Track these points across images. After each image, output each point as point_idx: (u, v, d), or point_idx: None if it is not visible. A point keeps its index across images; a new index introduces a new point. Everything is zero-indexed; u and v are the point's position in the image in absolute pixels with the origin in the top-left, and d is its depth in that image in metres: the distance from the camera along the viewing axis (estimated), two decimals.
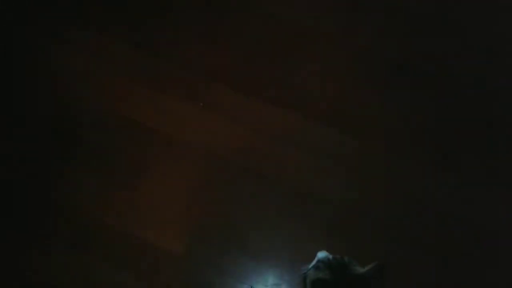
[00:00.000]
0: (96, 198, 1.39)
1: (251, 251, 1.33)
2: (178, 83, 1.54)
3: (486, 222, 1.39)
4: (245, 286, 1.30)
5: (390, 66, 1.60)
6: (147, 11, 1.63)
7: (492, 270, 1.34)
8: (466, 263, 1.34)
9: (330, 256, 1.03)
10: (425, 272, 1.32)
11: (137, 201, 1.39)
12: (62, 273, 1.31)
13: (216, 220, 1.37)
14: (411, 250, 1.34)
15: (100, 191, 1.40)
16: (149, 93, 1.52)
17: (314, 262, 1.03)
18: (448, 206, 1.40)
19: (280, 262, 1.32)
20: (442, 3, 1.67)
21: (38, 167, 1.44)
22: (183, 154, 1.45)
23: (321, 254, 1.04)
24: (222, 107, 1.51)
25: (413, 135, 1.50)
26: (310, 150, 1.46)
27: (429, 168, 1.45)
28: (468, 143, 1.49)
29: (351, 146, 1.47)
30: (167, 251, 1.33)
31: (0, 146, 1.46)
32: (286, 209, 1.39)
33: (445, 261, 1.34)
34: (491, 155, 1.48)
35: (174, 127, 1.48)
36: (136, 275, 1.31)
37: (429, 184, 1.43)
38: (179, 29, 1.61)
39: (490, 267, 1.34)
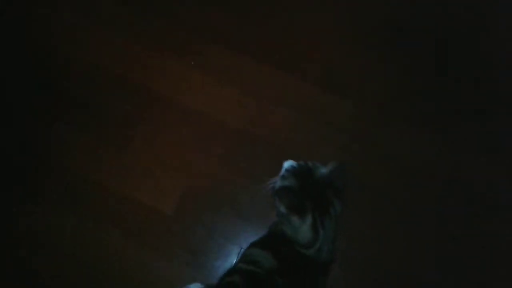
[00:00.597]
0: (85, 157, 1.38)
1: (242, 212, 1.31)
2: (171, 42, 1.51)
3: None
4: (236, 247, 1.30)
5: (390, 28, 1.56)
6: None
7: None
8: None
9: (295, 164, 1.07)
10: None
11: (128, 160, 1.37)
12: (49, 232, 1.30)
13: (208, 180, 1.35)
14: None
15: (89, 150, 1.38)
16: (142, 51, 1.49)
17: (281, 173, 1.07)
18: (441, 169, 1.40)
19: (269, 224, 1.32)
20: None
21: (26, 125, 1.42)
22: (175, 114, 1.42)
23: (287, 164, 1.08)
24: (215, 67, 1.48)
25: (408, 97, 1.49)
26: (304, 112, 1.44)
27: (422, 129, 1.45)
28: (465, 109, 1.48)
29: (347, 109, 1.45)
30: (158, 210, 1.32)
31: None
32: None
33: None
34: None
35: (167, 86, 1.46)
36: (125, 234, 1.29)
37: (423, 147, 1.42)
38: None
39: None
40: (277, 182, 1.06)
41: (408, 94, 1.49)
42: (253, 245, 1.08)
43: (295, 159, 1.09)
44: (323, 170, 1.06)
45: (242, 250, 1.28)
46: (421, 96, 1.49)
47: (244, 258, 1.06)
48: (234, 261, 1.28)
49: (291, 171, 1.06)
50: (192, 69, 1.47)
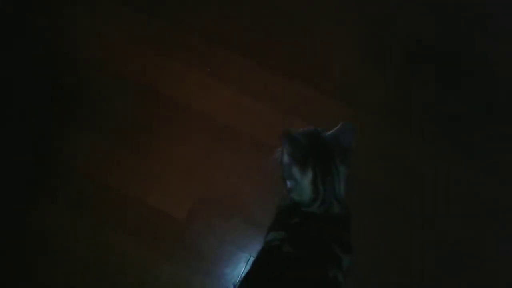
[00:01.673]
0: (97, 161, 1.38)
1: (253, 219, 1.32)
2: (185, 48, 1.51)
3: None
4: (246, 254, 1.30)
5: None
6: None
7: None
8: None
9: (303, 130, 1.09)
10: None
11: (140, 165, 1.38)
12: (61, 235, 1.31)
13: (219, 187, 1.36)
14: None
15: (101, 154, 1.39)
16: (155, 57, 1.50)
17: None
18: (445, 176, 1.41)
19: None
20: None
21: (38, 128, 1.43)
22: (187, 119, 1.43)
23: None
24: (229, 74, 1.49)
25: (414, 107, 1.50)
26: (315, 122, 1.43)
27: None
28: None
29: (352, 117, 1.44)
30: (168, 216, 1.32)
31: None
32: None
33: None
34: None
35: (180, 91, 1.46)
36: (136, 240, 1.30)
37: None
38: None
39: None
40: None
41: (417, 105, 1.50)
42: (268, 230, 1.09)
43: None
44: (330, 132, 1.08)
45: (252, 258, 1.29)
46: (431, 108, 1.50)
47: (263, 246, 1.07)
48: (243, 269, 1.29)
49: (300, 132, 1.07)
50: (207, 76, 1.47)
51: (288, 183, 1.06)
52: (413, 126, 1.47)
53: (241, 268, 1.29)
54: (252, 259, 1.29)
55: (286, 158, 1.04)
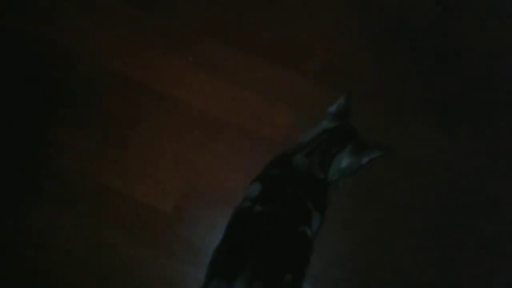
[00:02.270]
0: (84, 156, 1.37)
1: None
2: (167, 38, 1.50)
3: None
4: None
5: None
6: None
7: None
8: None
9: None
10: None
11: (126, 158, 1.37)
12: (48, 230, 1.29)
13: (206, 177, 1.35)
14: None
15: (87, 148, 1.38)
16: (138, 48, 1.49)
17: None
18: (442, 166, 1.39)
19: None
20: None
21: (25, 124, 1.41)
22: (172, 110, 1.42)
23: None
24: (214, 63, 1.47)
25: (407, 93, 1.48)
26: (303, 109, 1.43)
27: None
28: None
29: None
30: (157, 209, 1.31)
31: None
32: None
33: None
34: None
35: (164, 82, 1.45)
36: (125, 233, 1.29)
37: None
38: None
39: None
40: None
41: (409, 90, 1.49)
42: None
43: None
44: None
45: None
46: (423, 93, 1.48)
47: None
48: None
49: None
50: (192, 67, 1.46)
51: None
52: (403, 109, 1.46)
53: None
54: None
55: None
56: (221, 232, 1.26)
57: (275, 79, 1.46)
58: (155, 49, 1.48)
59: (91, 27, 1.52)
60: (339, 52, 1.52)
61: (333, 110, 1.16)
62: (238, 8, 1.55)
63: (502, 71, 1.53)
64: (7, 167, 1.36)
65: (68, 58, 1.48)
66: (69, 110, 1.42)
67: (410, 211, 1.34)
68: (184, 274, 1.26)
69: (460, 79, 1.50)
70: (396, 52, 1.53)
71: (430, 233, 1.33)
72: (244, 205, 1.04)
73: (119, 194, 1.32)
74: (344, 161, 1.09)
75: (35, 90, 1.45)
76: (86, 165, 1.36)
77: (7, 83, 1.44)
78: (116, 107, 1.42)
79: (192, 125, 1.40)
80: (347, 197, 1.30)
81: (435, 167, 1.39)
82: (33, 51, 1.49)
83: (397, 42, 1.54)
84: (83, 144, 1.38)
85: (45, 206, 1.31)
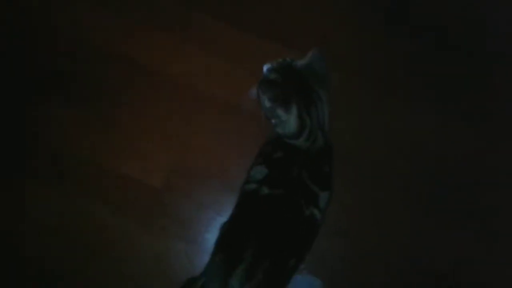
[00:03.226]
0: (71, 132, 1.35)
1: (232, 183, 1.27)
2: (156, 11, 1.45)
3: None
4: (226, 219, 1.28)
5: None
6: None
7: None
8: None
9: (274, 63, 1.08)
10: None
11: (115, 135, 1.34)
12: (36, 207, 1.28)
13: (196, 152, 1.33)
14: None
15: (75, 125, 1.35)
16: (126, 23, 1.44)
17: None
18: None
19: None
20: None
21: (10, 101, 1.37)
22: (160, 85, 1.39)
23: (266, 66, 1.09)
24: (204, 37, 1.43)
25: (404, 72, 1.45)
26: None
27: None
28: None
29: (337, 81, 1.40)
30: (146, 185, 1.30)
31: None
32: None
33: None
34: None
35: (152, 57, 1.41)
36: (113, 209, 1.28)
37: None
38: None
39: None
40: (260, 83, 1.06)
41: (404, 70, 1.46)
42: (252, 166, 1.09)
43: None
44: (303, 62, 1.06)
45: None
46: (421, 73, 1.46)
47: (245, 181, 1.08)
48: None
49: (271, 69, 1.06)
50: (179, 41, 1.42)
51: (273, 121, 1.05)
52: (392, 88, 1.43)
53: None
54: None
55: (267, 103, 1.03)
56: (211, 209, 1.28)
57: (268, 56, 1.41)
58: (144, 23, 1.44)
59: (78, 2, 1.46)
60: (331, 28, 1.48)
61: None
62: None
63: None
64: None
65: (54, 34, 1.43)
66: (55, 86, 1.39)
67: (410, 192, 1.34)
68: (174, 250, 1.26)
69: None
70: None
71: (430, 214, 1.33)
72: (250, 187, 1.02)
73: (107, 169, 1.31)
74: (324, 99, 1.06)
75: (21, 66, 1.41)
76: (73, 141, 1.34)
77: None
78: (103, 82, 1.39)
79: (181, 100, 1.38)
80: (347, 181, 1.29)
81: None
82: (19, 25, 1.44)
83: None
84: (69, 120, 1.35)
85: (30, 182, 1.30)
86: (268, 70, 1.07)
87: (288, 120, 1.02)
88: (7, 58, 1.41)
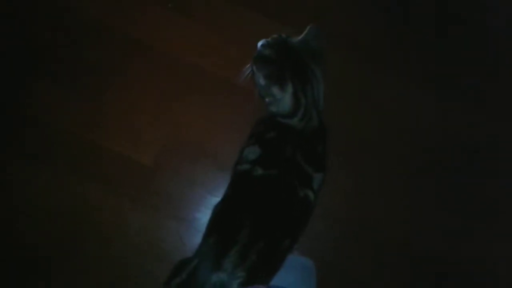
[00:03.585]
0: (60, 109, 1.31)
1: (223, 162, 1.27)
2: None
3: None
4: (217, 198, 1.26)
5: None
6: None
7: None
8: None
9: (269, 39, 1.06)
10: None
11: (104, 110, 1.31)
12: (23, 186, 1.26)
13: (187, 130, 1.30)
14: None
15: (64, 101, 1.32)
16: None
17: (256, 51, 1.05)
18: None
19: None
20: None
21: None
22: (152, 61, 1.35)
23: (260, 42, 1.06)
24: (193, 9, 1.39)
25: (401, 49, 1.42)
26: None
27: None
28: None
29: (336, 59, 1.36)
30: (137, 162, 1.27)
31: None
32: None
33: None
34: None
35: (142, 30, 1.37)
36: (103, 187, 1.25)
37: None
38: None
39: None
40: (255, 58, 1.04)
41: (403, 47, 1.42)
42: (244, 146, 1.07)
43: None
44: (298, 38, 1.04)
45: None
46: (416, 51, 1.42)
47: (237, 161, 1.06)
48: None
49: (266, 45, 1.04)
50: (171, 15, 1.37)
51: (267, 100, 1.03)
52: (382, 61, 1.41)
53: None
54: None
55: (261, 80, 1.00)
56: (202, 187, 1.26)
57: (258, 28, 1.38)
58: None
59: None
60: (327, 3, 1.44)
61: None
62: None
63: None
64: None
65: (44, 7, 1.38)
66: (45, 61, 1.34)
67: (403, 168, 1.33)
68: (166, 228, 1.25)
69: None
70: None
71: (424, 191, 1.32)
72: (243, 167, 1.01)
73: (97, 147, 1.28)
74: (319, 77, 1.04)
75: (11, 40, 1.36)
76: (62, 117, 1.30)
77: None
78: (92, 58, 1.34)
79: (172, 75, 1.34)
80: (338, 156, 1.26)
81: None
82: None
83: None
84: (58, 97, 1.32)
85: (19, 160, 1.27)
86: (263, 45, 1.04)
87: (283, 99, 0.99)
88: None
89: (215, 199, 1.25)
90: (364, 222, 1.28)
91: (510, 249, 1.28)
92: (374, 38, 1.41)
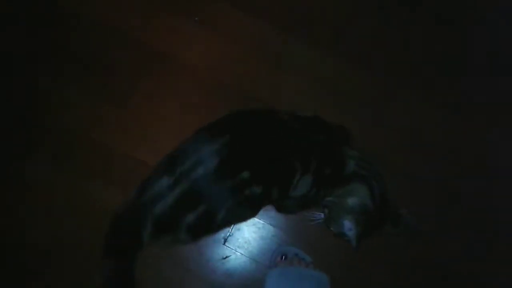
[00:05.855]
0: (83, 113, 1.34)
1: None
2: None
3: None
4: None
5: None
6: None
7: None
8: None
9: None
10: None
11: (127, 118, 1.34)
12: (40, 185, 1.28)
13: None
14: None
15: (88, 106, 1.35)
16: (143, 5, 1.43)
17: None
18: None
19: None
20: None
21: (25, 80, 1.36)
22: (174, 71, 1.39)
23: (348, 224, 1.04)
24: (218, 24, 1.43)
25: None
26: (306, 74, 1.43)
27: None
28: None
29: (334, 65, 1.44)
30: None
31: None
32: None
33: None
34: None
35: (168, 42, 1.40)
36: (124, 193, 1.26)
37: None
38: None
39: None
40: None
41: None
42: None
43: None
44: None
45: None
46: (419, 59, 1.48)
47: None
48: (230, 230, 1.29)
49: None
50: (195, 26, 1.42)
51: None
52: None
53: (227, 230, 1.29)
54: None
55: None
56: None
57: (288, 50, 1.42)
58: (160, 7, 1.42)
59: None
60: (330, 13, 1.50)
61: None
62: None
63: None
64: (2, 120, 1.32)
65: (70, 14, 1.42)
66: (70, 68, 1.37)
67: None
68: None
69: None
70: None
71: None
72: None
73: (118, 153, 1.31)
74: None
75: (35, 45, 1.39)
76: (84, 122, 1.33)
77: (7, 37, 1.38)
78: (118, 65, 1.38)
79: (195, 87, 1.37)
80: None
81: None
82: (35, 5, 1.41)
83: None
84: (82, 102, 1.34)
85: (40, 163, 1.29)
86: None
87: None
88: (22, 38, 1.39)
89: None
90: (375, 240, 1.31)
91: None
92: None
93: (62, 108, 1.33)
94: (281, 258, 1.22)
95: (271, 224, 1.29)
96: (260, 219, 1.29)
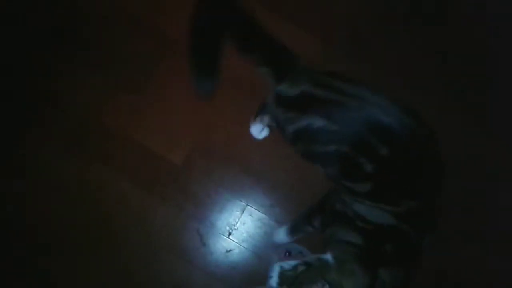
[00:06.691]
0: (98, 102, 1.35)
1: (251, 168, 1.31)
2: None
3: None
4: (241, 202, 1.30)
5: None
6: None
7: None
8: None
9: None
10: None
11: (140, 108, 1.34)
12: (55, 174, 1.29)
13: (218, 134, 1.34)
14: None
15: (103, 95, 1.35)
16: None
17: None
18: None
19: (279, 184, 1.31)
20: None
21: (42, 68, 1.37)
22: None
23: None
24: None
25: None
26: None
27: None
28: None
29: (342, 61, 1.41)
30: (166, 160, 1.31)
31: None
32: None
33: None
34: None
35: (185, 31, 1.40)
36: (133, 181, 1.29)
37: None
38: None
39: None
40: None
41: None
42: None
43: None
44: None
45: (248, 207, 1.29)
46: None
47: None
48: (239, 217, 1.29)
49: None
50: None
51: None
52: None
53: (236, 216, 1.29)
54: (248, 207, 1.29)
55: None
56: (228, 190, 1.29)
57: (300, 43, 1.41)
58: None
59: None
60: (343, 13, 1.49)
61: None
62: None
63: None
64: (19, 108, 1.34)
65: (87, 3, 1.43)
66: (84, 53, 1.38)
67: None
68: (187, 226, 1.28)
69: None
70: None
71: None
72: None
73: (130, 141, 1.31)
74: None
75: (51, 30, 1.40)
76: (99, 110, 1.34)
77: (23, 26, 1.40)
78: (134, 54, 1.38)
79: None
80: None
81: None
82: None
83: None
84: (98, 90, 1.35)
85: (54, 148, 1.30)
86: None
87: None
88: (38, 24, 1.40)
89: (240, 203, 1.29)
90: None
91: None
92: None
93: (74, 96, 1.34)
94: (285, 254, 1.22)
95: (276, 221, 1.29)
96: (265, 215, 1.29)
